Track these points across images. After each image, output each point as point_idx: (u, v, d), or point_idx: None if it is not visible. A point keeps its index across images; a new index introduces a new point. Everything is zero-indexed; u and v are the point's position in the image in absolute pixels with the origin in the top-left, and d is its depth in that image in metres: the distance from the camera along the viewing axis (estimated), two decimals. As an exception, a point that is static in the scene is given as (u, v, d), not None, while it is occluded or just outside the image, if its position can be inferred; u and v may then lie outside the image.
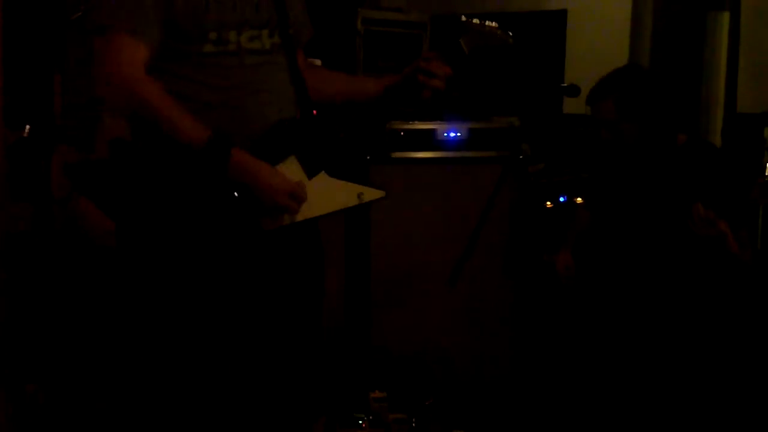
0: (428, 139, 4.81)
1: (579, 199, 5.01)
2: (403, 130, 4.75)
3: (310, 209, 2.93)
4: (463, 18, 3.02)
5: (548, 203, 5.16)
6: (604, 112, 3.98)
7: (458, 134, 4.83)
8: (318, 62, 4.72)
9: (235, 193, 2.83)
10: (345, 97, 3.24)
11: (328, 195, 2.95)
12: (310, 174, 2.91)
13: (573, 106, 5.10)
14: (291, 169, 2.91)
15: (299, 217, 2.92)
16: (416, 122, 4.80)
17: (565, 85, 4.73)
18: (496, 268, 4.82)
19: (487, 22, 3.03)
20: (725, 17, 5.93)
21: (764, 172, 4.48)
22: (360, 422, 4.38)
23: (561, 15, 6.16)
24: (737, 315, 3.86)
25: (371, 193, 2.99)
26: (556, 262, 4.35)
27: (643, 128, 3.92)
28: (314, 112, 3.02)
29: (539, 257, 4.79)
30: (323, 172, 2.93)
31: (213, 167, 2.78)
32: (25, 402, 3.99)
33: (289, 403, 3.16)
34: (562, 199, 5.18)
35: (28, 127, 3.94)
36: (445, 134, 4.82)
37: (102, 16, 2.86)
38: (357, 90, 3.27)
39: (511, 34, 3.06)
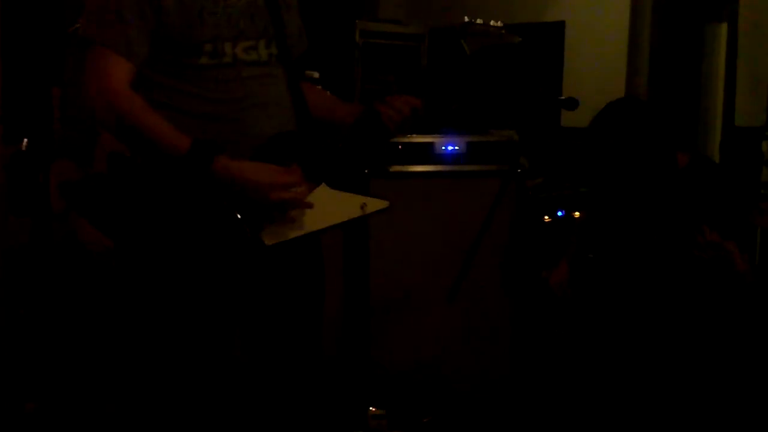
0: (426, 153, 4.78)
1: (577, 213, 4.99)
2: (402, 143, 4.73)
3: (313, 223, 2.88)
4: (466, 19, 2.98)
5: (546, 217, 5.14)
6: (604, 144, 3.95)
7: (456, 148, 4.80)
8: (316, 75, 4.70)
9: (235, 211, 2.78)
10: (327, 120, 3.18)
11: (330, 207, 2.90)
12: (311, 187, 2.87)
13: (571, 119, 5.08)
14: None
15: (302, 232, 2.87)
16: (414, 136, 4.77)
17: (563, 98, 4.70)
18: (494, 283, 4.80)
19: (492, 22, 2.99)
20: (723, 29, 5.93)
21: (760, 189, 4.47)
22: (358, 440, 4.37)
23: (559, 27, 6.16)
24: (739, 334, 3.84)
25: (374, 204, 2.94)
26: (552, 276, 4.33)
27: (644, 154, 3.88)
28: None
29: (538, 272, 4.76)
30: (324, 184, 2.88)
31: (197, 173, 2.74)
32: (24, 420, 3.96)
33: (289, 420, 3.12)
34: (560, 214, 5.17)
35: (26, 140, 3.92)
36: (444, 148, 4.79)
37: (87, 31, 2.84)
38: (336, 115, 3.20)
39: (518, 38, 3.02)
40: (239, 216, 2.79)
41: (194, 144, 2.73)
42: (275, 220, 2.83)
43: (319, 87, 4.52)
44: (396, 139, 4.71)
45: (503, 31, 3.02)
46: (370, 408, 4.47)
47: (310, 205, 2.84)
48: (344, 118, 3.14)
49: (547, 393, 4.63)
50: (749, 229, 3.84)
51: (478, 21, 2.99)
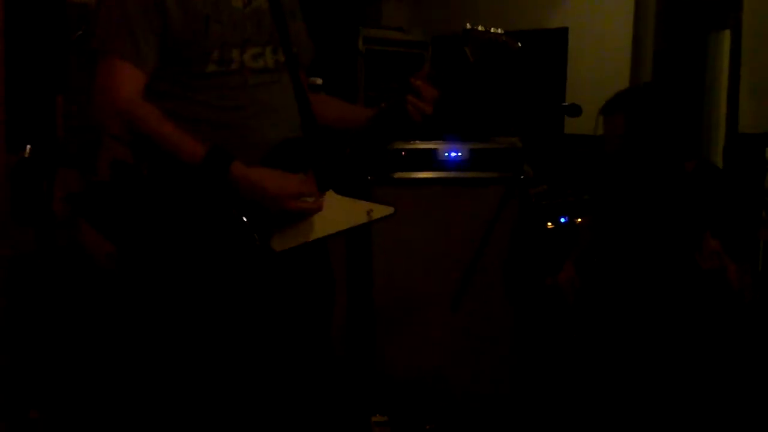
0: (429, 160, 4.77)
1: (579, 220, 4.98)
2: (405, 150, 4.72)
3: (320, 229, 2.89)
4: (468, 26, 2.97)
5: (549, 224, 5.13)
6: (614, 126, 3.93)
7: (459, 154, 4.79)
8: (319, 81, 4.70)
9: (244, 218, 2.78)
10: (338, 124, 3.18)
11: (337, 213, 2.90)
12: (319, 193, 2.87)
13: (574, 126, 5.07)
14: None
15: (310, 238, 2.88)
16: (417, 142, 4.77)
17: (566, 104, 4.69)
18: (497, 291, 4.78)
19: (492, 29, 2.98)
20: (726, 37, 5.92)
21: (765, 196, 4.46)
22: (363, 447, 4.36)
23: (562, 33, 6.15)
24: (739, 346, 3.83)
25: (380, 210, 2.95)
26: (559, 276, 4.31)
27: (652, 148, 3.87)
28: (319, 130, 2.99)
29: (541, 279, 4.75)
30: (331, 190, 2.88)
31: (213, 181, 2.75)
32: (28, 428, 3.96)
33: (294, 427, 3.12)
34: (563, 220, 5.15)
35: (29, 147, 3.91)
36: (447, 154, 4.78)
37: (97, 41, 2.85)
38: (349, 117, 3.20)
39: (519, 43, 3.01)
40: (248, 223, 2.79)
41: (211, 151, 2.74)
42: (284, 226, 2.83)
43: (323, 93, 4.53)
44: (399, 146, 4.71)
45: (505, 38, 3.01)
46: (374, 415, 4.47)
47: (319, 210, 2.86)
48: (361, 120, 3.12)
49: (551, 401, 4.62)
50: (752, 239, 3.82)
51: (480, 27, 2.99)
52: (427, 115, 2.99)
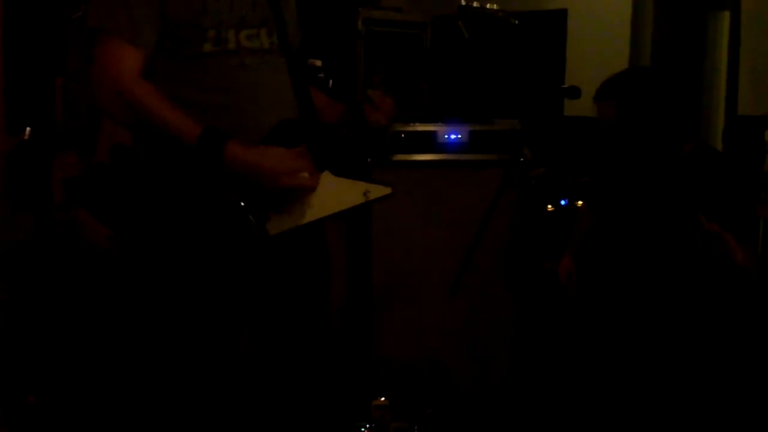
0: (429, 142, 4.76)
1: (580, 203, 4.97)
2: (404, 132, 4.71)
3: (317, 210, 2.87)
4: (463, 2, 2.96)
5: (549, 207, 5.12)
6: (606, 112, 3.92)
7: (459, 137, 4.79)
8: (318, 63, 4.67)
9: (240, 202, 2.76)
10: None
11: (333, 194, 2.88)
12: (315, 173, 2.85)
13: (574, 108, 5.05)
14: None
15: (305, 220, 2.85)
16: (417, 124, 4.76)
17: (566, 86, 4.67)
18: (497, 274, 4.78)
19: (488, 5, 2.97)
20: (725, 17, 5.91)
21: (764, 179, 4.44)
22: (362, 430, 4.35)
23: (561, 15, 6.14)
24: (741, 327, 3.81)
25: (377, 190, 2.91)
26: (558, 269, 4.30)
27: (644, 133, 3.85)
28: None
29: (541, 263, 4.74)
30: (327, 171, 2.86)
31: (208, 161, 2.72)
32: (25, 413, 3.95)
33: (293, 411, 3.11)
34: (563, 203, 5.14)
35: (28, 129, 3.89)
36: (446, 137, 4.78)
37: (94, 20, 2.83)
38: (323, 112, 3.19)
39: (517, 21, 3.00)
40: (244, 206, 2.77)
41: (205, 131, 2.72)
42: (280, 208, 2.81)
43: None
44: (399, 128, 4.70)
45: (501, 13, 3.00)
46: (374, 399, 4.46)
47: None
48: (329, 119, 3.13)
49: (549, 386, 4.62)
50: (752, 219, 3.80)
51: (475, 4, 2.98)
52: (381, 126, 3.03)
